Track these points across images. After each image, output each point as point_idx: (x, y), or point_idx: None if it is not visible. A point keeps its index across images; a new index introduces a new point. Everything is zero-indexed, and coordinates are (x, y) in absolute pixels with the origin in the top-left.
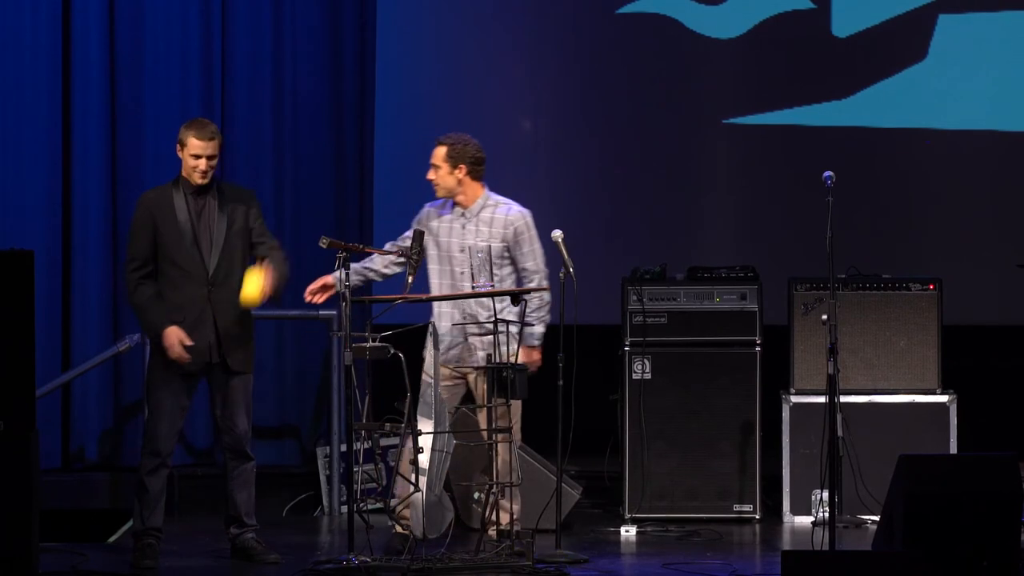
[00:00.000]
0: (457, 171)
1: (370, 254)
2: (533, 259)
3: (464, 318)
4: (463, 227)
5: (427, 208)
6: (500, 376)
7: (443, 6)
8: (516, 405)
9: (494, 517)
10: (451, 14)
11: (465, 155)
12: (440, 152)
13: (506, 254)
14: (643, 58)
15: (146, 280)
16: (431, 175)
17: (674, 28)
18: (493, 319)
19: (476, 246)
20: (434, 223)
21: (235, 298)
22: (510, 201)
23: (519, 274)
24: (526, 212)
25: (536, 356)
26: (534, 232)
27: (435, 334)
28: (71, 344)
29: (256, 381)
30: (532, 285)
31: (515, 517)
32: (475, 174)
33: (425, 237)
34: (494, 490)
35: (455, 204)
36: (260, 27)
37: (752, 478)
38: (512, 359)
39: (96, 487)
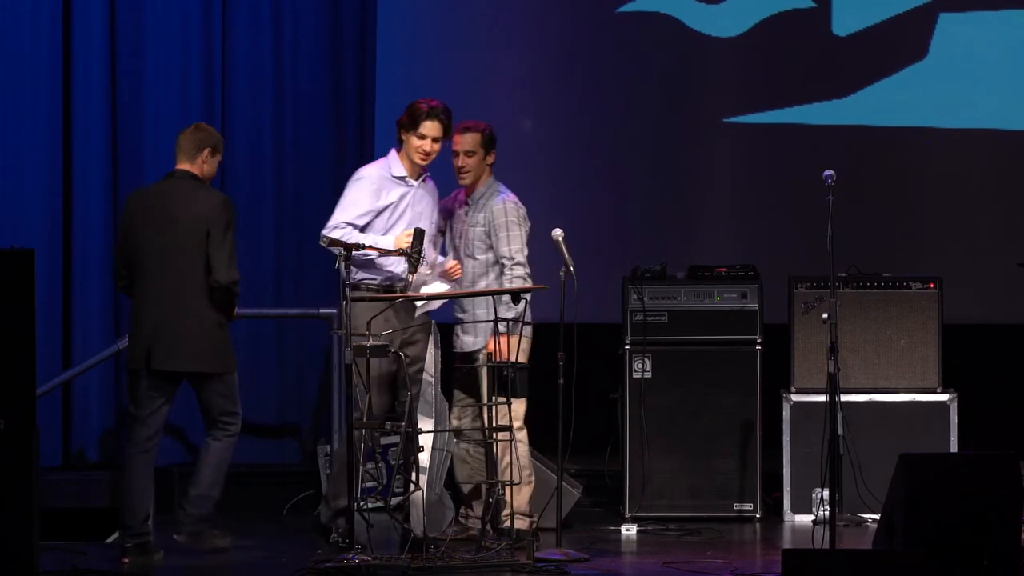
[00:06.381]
0: (490, 157)
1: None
2: (507, 245)
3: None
4: (466, 213)
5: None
6: (501, 375)
7: (443, 6)
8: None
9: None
10: (451, 14)
11: (494, 140)
12: (474, 139)
13: (487, 240)
14: (643, 57)
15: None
16: (462, 162)
17: (674, 27)
18: (494, 319)
19: (471, 232)
20: (455, 213)
21: None
22: (507, 191)
23: (498, 262)
24: (511, 200)
25: (496, 343)
26: (512, 219)
27: (436, 333)
28: (72, 342)
29: (256, 379)
30: (507, 273)
31: (519, 511)
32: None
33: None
34: (497, 489)
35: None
36: (260, 27)
37: (752, 477)
38: (513, 357)
39: (97, 486)
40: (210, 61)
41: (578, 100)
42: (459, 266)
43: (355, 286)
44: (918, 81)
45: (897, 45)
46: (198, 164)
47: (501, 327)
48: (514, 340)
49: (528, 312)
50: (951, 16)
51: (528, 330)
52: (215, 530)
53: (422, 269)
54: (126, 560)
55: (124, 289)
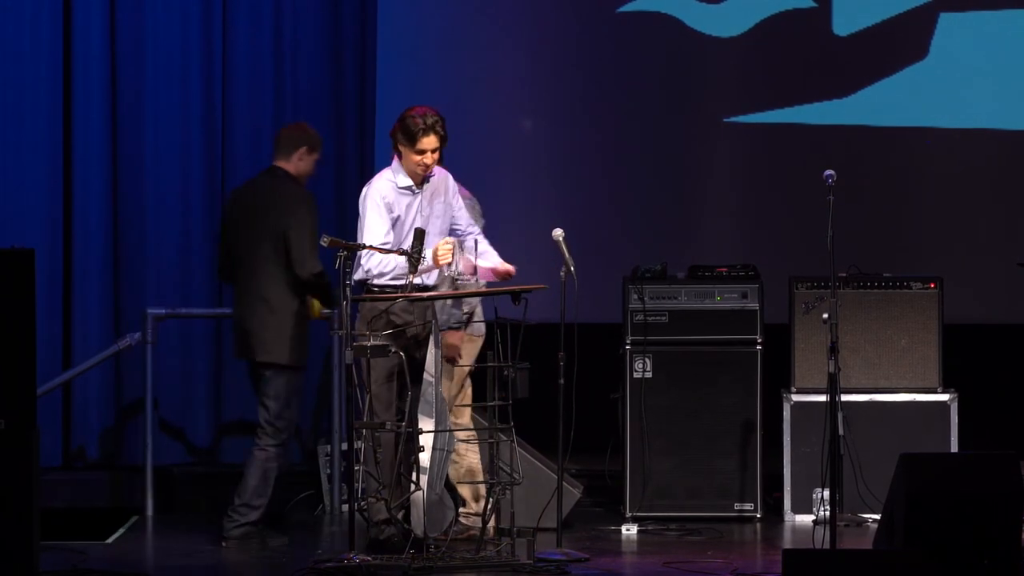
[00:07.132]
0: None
1: (370, 252)
2: (465, 212)
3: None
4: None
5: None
6: (501, 375)
7: (443, 6)
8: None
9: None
10: (451, 14)
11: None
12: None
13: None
14: (644, 57)
15: None
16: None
17: (675, 27)
18: (494, 318)
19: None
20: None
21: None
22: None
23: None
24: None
25: (452, 339)
26: (464, 193)
27: (436, 332)
28: (72, 342)
29: None
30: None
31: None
32: None
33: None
34: (496, 488)
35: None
36: (260, 27)
37: (753, 477)
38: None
39: (96, 486)
40: (210, 61)
41: (578, 100)
42: (512, 269)
43: (368, 291)
44: (918, 81)
45: (897, 45)
46: (293, 162)
47: (454, 324)
48: (465, 339)
49: (478, 312)
50: (951, 16)
51: (476, 328)
52: (266, 531)
53: (464, 270)
54: None
55: (226, 279)
